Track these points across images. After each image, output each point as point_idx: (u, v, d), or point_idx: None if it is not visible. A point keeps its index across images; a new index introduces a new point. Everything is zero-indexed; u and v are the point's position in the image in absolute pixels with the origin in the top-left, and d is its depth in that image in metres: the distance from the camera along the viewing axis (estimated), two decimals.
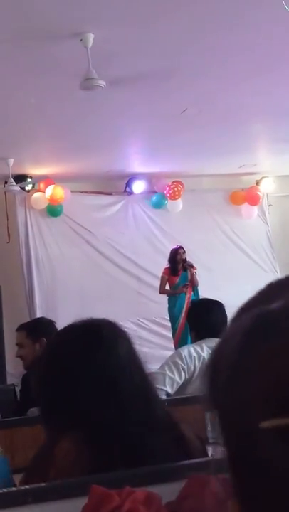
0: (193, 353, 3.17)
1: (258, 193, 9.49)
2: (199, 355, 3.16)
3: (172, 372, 3.12)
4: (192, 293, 7.74)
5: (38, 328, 3.70)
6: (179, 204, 9.14)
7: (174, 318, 7.75)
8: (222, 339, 0.55)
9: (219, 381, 0.51)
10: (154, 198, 9.15)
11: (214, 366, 0.53)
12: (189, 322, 3.51)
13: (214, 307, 3.32)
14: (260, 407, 0.47)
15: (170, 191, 9.02)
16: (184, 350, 3.21)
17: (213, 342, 3.23)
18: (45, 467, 1.26)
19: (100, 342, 1.40)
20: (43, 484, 1.20)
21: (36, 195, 8.44)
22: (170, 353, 4.34)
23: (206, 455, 1.39)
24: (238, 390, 0.49)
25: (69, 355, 1.40)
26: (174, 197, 9.06)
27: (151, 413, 1.36)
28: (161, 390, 3.07)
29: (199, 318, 3.33)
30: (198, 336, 3.28)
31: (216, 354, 0.54)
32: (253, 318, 0.52)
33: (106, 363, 1.37)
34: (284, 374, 0.46)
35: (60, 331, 1.56)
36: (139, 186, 9.02)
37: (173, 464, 1.25)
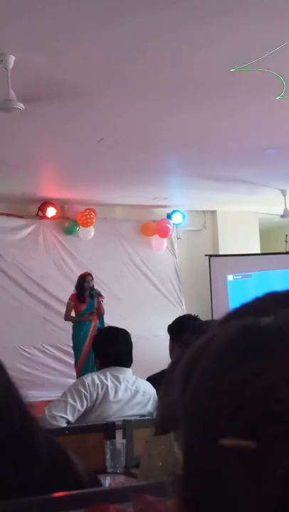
0: (97, 381, 3.16)
1: (168, 225, 9.68)
2: (103, 383, 3.16)
3: (74, 400, 3.09)
4: (98, 321, 7.71)
5: None
6: (91, 231, 9.16)
7: (77, 346, 7.65)
8: (205, 340, 0.51)
9: (192, 381, 0.49)
10: (66, 224, 9.13)
11: (190, 366, 0.50)
12: (94, 349, 3.50)
13: (120, 336, 3.33)
14: (227, 424, 0.44)
15: (82, 218, 9.03)
16: (88, 378, 3.19)
17: (117, 370, 3.24)
18: None
19: None
20: None
21: None
22: (73, 380, 4.30)
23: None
24: (208, 399, 0.46)
25: None
26: (86, 224, 9.07)
27: (34, 452, 1.25)
28: (62, 417, 3.04)
29: (105, 346, 3.33)
30: (103, 363, 3.28)
31: (196, 352, 0.50)
32: (239, 329, 0.49)
33: None
34: (258, 397, 0.44)
35: None
36: (51, 211, 8.98)
37: (73, 492, 1.24)
